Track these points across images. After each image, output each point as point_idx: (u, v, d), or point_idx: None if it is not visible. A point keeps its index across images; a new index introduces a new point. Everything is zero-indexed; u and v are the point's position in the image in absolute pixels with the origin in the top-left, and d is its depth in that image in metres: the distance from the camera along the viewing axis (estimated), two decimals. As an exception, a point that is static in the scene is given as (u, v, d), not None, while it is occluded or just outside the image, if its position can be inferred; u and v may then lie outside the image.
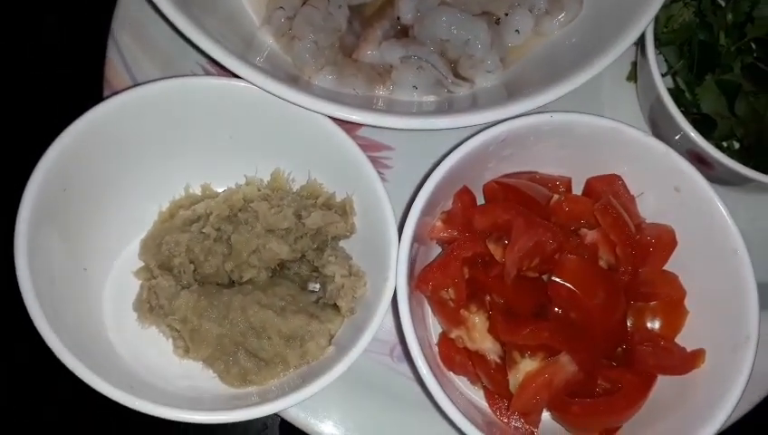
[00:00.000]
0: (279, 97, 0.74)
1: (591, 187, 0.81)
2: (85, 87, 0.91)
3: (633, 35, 0.80)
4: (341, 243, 0.82)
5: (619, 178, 0.80)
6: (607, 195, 0.77)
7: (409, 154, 0.90)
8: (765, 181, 0.79)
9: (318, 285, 0.80)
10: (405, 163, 0.90)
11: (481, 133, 0.76)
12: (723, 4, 0.93)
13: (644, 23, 0.81)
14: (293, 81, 0.81)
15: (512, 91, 0.85)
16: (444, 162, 0.75)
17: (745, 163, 0.86)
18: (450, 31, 0.83)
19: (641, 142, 0.77)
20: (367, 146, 0.91)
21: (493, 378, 0.74)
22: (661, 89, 0.81)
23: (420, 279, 0.75)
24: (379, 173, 0.90)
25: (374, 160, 0.91)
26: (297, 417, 0.80)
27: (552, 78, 0.80)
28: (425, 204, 0.74)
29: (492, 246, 0.75)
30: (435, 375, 0.69)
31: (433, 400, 0.69)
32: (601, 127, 0.77)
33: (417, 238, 0.78)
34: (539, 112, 0.77)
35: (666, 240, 0.77)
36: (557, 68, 0.83)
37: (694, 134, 0.80)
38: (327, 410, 0.81)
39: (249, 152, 0.82)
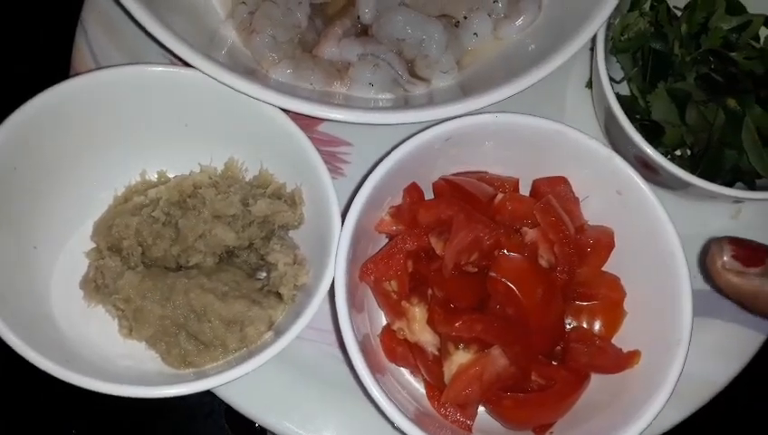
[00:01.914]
0: (232, 88, 0.74)
1: (537, 188, 0.80)
2: (53, 73, 0.91)
3: (580, 41, 0.80)
4: (290, 233, 0.81)
5: (564, 180, 0.80)
6: (549, 196, 0.77)
7: (367, 150, 0.89)
8: (705, 187, 0.78)
9: (265, 274, 0.80)
10: (363, 159, 0.90)
11: (424, 132, 0.75)
12: (679, 14, 0.93)
13: (593, 29, 0.80)
14: (250, 73, 0.81)
15: (467, 92, 0.84)
16: (387, 159, 0.74)
17: (694, 170, 0.85)
18: (406, 31, 0.83)
19: (585, 146, 0.76)
20: (326, 141, 0.92)
21: (430, 370, 0.74)
22: (609, 96, 0.81)
23: (363, 270, 0.75)
24: (337, 168, 0.92)
25: (332, 155, 0.92)
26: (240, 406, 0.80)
27: (506, 80, 0.81)
28: (367, 198, 0.73)
29: (434, 240, 0.74)
30: (368, 364, 0.68)
31: (365, 389, 0.68)
32: (546, 129, 0.76)
33: (366, 232, 0.78)
34: (486, 112, 0.77)
35: (604, 242, 0.76)
36: (513, 71, 0.82)
37: (638, 139, 0.79)
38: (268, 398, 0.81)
39: (204, 141, 0.82)
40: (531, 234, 0.75)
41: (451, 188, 0.78)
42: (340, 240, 0.72)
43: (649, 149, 0.79)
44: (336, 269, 0.71)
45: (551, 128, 0.76)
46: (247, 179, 0.83)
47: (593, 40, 0.83)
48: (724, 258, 0.65)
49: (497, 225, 0.75)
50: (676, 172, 0.78)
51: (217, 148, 0.83)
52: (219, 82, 0.74)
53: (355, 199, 0.74)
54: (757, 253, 0.65)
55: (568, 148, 0.77)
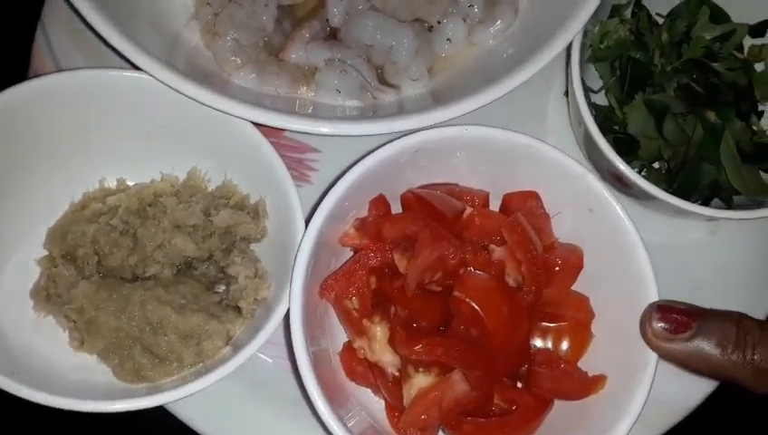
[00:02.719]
0: (191, 98, 0.71)
1: (507, 202, 0.77)
2: (10, 74, 0.87)
3: (555, 49, 0.76)
4: (253, 245, 0.78)
5: (535, 195, 0.76)
6: (517, 212, 0.74)
7: (336, 157, 0.85)
8: (676, 204, 0.75)
9: (224, 287, 0.77)
10: (332, 166, 0.85)
11: (391, 144, 0.72)
12: (661, 21, 0.90)
13: (569, 35, 0.77)
14: (212, 81, 0.77)
15: (439, 100, 0.81)
16: (350, 172, 0.71)
17: (670, 185, 0.82)
18: (374, 36, 0.79)
19: (557, 162, 0.73)
20: (293, 147, 0.88)
21: (390, 391, 0.71)
22: (582, 107, 0.77)
23: (324, 287, 0.72)
24: (304, 175, 0.88)
25: (300, 163, 0.88)
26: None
27: (478, 89, 0.77)
28: (328, 212, 0.70)
29: (397, 257, 0.71)
30: (320, 383, 0.65)
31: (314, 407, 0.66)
32: (517, 143, 0.73)
33: (330, 244, 0.75)
34: (456, 124, 0.74)
35: (573, 262, 0.73)
36: (487, 79, 0.79)
37: (610, 153, 0.76)
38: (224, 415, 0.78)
39: (166, 149, 0.79)
40: (498, 252, 0.72)
41: (418, 203, 0.74)
42: (298, 255, 0.69)
43: (622, 165, 0.76)
44: (292, 284, 0.68)
45: (522, 142, 0.73)
46: (210, 190, 0.79)
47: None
48: (654, 325, 0.66)
49: (463, 243, 0.72)
50: (648, 188, 0.75)
51: (180, 156, 0.79)
52: (178, 91, 0.70)
53: (315, 214, 0.70)
54: (684, 318, 0.65)
55: (540, 163, 0.74)
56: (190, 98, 0.70)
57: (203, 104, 0.71)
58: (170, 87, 0.70)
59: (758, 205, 0.79)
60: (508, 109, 0.87)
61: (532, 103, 0.90)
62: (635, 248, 0.70)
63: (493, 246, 0.72)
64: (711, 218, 0.77)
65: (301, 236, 0.70)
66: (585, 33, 0.80)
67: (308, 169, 0.88)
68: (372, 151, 0.73)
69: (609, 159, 0.76)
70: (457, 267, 0.70)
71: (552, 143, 0.85)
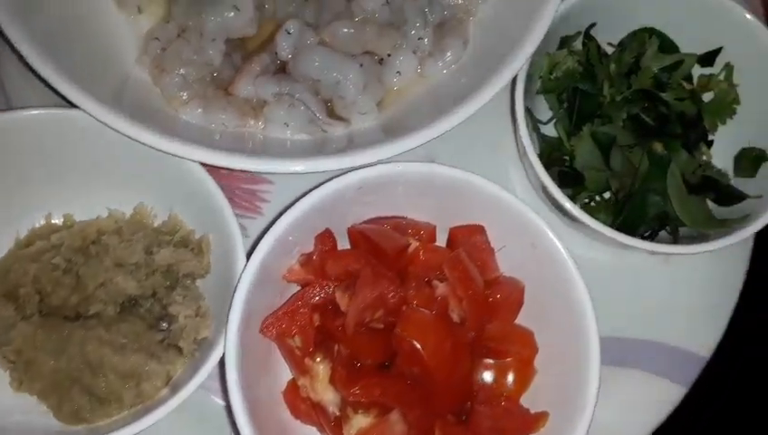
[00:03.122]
0: (134, 139, 0.70)
1: (453, 237, 0.77)
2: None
3: (501, 81, 0.76)
4: (198, 281, 0.77)
5: (480, 229, 0.76)
6: (460, 247, 0.73)
7: (289, 189, 0.84)
8: (618, 239, 0.75)
9: (167, 324, 0.76)
10: (284, 198, 0.84)
11: (335, 180, 0.72)
12: (611, 51, 0.90)
13: (515, 67, 0.77)
14: (159, 117, 0.76)
15: (390, 132, 0.81)
16: (293, 208, 0.71)
17: (617, 216, 0.82)
18: (321, 71, 0.79)
19: (497, 198, 0.72)
20: (246, 179, 0.88)
21: (333, 431, 0.70)
22: (525, 141, 0.77)
23: (265, 326, 0.71)
24: (257, 207, 0.88)
25: (252, 194, 0.88)
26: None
27: (429, 122, 0.77)
28: (269, 249, 0.69)
29: (339, 295, 0.71)
30: (253, 423, 0.64)
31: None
32: (457, 179, 0.73)
33: (275, 279, 0.74)
34: (403, 160, 0.73)
35: (515, 297, 0.73)
36: (438, 111, 0.79)
37: (550, 185, 0.75)
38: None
39: (113, 184, 0.78)
40: (441, 288, 0.72)
41: (362, 239, 0.74)
42: (235, 293, 0.68)
43: (566, 202, 0.76)
44: (228, 324, 0.67)
45: (462, 178, 0.73)
46: (157, 224, 0.79)
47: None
48: None
49: (407, 279, 0.71)
50: (585, 220, 0.75)
51: (127, 191, 0.79)
52: (121, 133, 0.70)
53: (255, 251, 0.70)
54: None
55: (481, 198, 0.74)
56: (133, 139, 0.70)
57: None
58: (112, 128, 0.70)
59: (704, 237, 0.79)
60: (462, 139, 0.88)
61: (486, 135, 0.90)
62: (575, 285, 0.70)
63: (436, 281, 0.72)
64: (654, 253, 0.77)
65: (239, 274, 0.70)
66: (531, 63, 0.80)
67: (260, 201, 0.88)
68: (316, 187, 0.73)
69: (552, 194, 0.75)
70: (399, 305, 0.69)
71: (505, 175, 0.87)
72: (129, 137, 0.70)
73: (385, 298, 0.68)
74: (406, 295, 0.69)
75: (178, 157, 0.71)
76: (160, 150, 0.71)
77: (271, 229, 0.71)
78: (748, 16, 0.83)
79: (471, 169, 0.87)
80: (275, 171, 0.71)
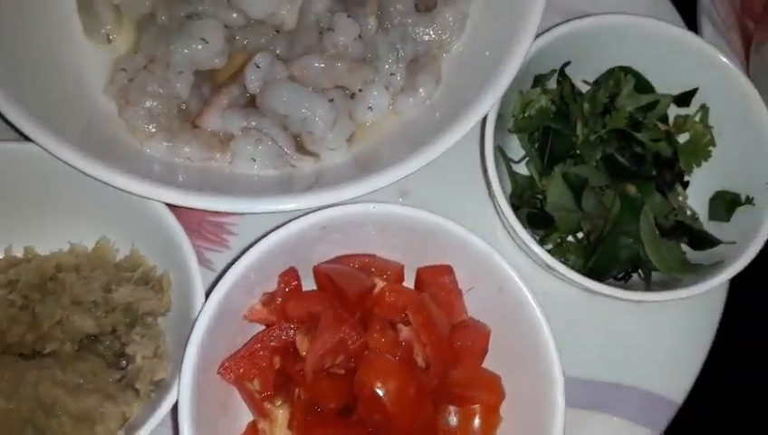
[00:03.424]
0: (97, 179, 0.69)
1: (421, 277, 0.75)
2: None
3: (472, 120, 0.75)
4: (160, 318, 0.75)
5: (448, 270, 0.75)
6: (426, 290, 0.72)
7: (257, 222, 0.83)
8: (586, 285, 0.73)
9: (125, 362, 0.74)
10: (252, 231, 0.83)
11: (299, 220, 0.70)
12: (586, 89, 0.89)
13: (486, 105, 0.76)
14: (123, 151, 0.75)
15: (361, 169, 0.79)
16: (255, 247, 0.69)
17: (588, 259, 0.81)
18: (288, 106, 0.77)
19: (464, 240, 0.71)
20: (212, 212, 0.86)
21: (292, 475, 0.68)
22: (494, 182, 0.76)
23: (223, 369, 0.69)
24: (224, 241, 0.86)
25: (219, 226, 0.86)
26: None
27: (400, 159, 0.76)
28: (228, 289, 0.68)
29: (299, 338, 0.69)
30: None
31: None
32: (424, 221, 0.71)
33: (236, 320, 0.72)
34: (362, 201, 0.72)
35: (480, 343, 0.71)
36: (410, 147, 0.77)
37: (518, 228, 0.74)
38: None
39: (75, 217, 0.76)
40: (405, 332, 0.70)
41: (326, 279, 0.72)
42: (191, 334, 0.66)
43: (535, 247, 0.74)
44: (183, 366, 0.65)
45: (429, 220, 0.71)
46: (119, 259, 0.77)
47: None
48: None
49: (372, 321, 0.69)
50: (550, 262, 0.73)
51: (90, 224, 0.77)
52: (81, 171, 0.68)
53: (213, 291, 0.68)
54: None
55: (448, 241, 0.72)
56: (94, 178, 0.69)
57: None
58: (72, 166, 0.68)
59: (677, 282, 0.78)
60: (435, 172, 0.86)
61: (460, 167, 0.89)
62: (541, 332, 0.68)
63: (401, 325, 0.70)
64: (624, 300, 0.75)
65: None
66: (504, 101, 0.79)
67: (227, 234, 0.86)
68: (281, 226, 0.71)
69: (520, 237, 0.74)
70: (360, 350, 0.67)
71: (480, 209, 0.86)
72: (89, 175, 0.69)
73: (346, 344, 0.66)
74: (369, 339, 0.68)
75: (139, 196, 0.70)
76: (121, 190, 0.69)
77: (231, 269, 0.69)
78: (723, 59, 0.83)
79: (444, 203, 0.87)
80: (238, 211, 0.70)
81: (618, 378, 0.83)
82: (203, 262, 0.85)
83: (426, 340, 0.67)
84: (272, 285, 0.75)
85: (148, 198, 0.69)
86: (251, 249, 0.69)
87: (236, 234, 0.86)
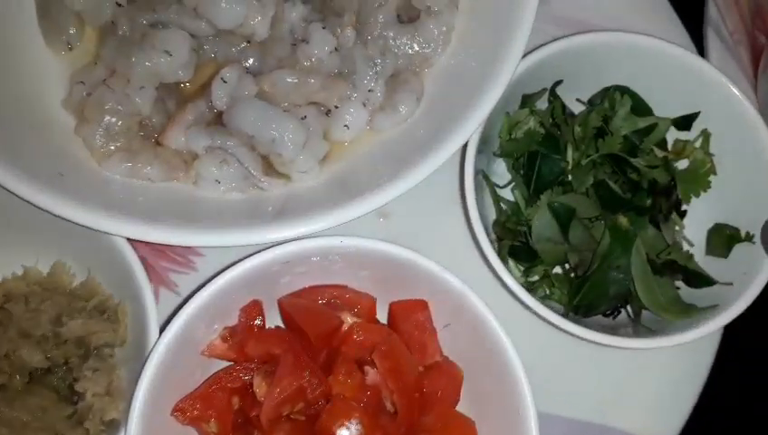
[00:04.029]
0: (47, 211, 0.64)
1: (393, 313, 0.71)
2: None
3: (456, 144, 0.70)
4: (117, 349, 0.71)
5: (423, 305, 0.69)
6: (394, 333, 0.67)
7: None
8: (558, 325, 0.68)
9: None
10: (220, 251, 0.78)
11: (259, 254, 0.65)
12: (580, 109, 0.83)
13: (468, 130, 0.70)
14: (79, 173, 0.70)
15: (336, 193, 0.74)
16: (213, 282, 0.64)
17: (574, 295, 0.75)
18: (255, 126, 0.72)
19: (439, 278, 0.66)
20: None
21: None
22: (472, 212, 0.70)
23: (177, 409, 0.65)
24: (190, 262, 0.81)
25: (187, 248, 0.81)
26: None
27: (375, 186, 0.70)
28: (184, 324, 0.63)
29: (257, 381, 0.64)
30: None
31: None
32: (397, 257, 0.66)
33: (194, 354, 0.68)
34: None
35: (452, 387, 0.66)
36: (387, 172, 0.72)
37: (495, 263, 0.69)
38: None
39: (30, 240, 0.72)
40: (372, 375, 0.65)
41: (292, 313, 0.67)
42: (143, 372, 0.62)
43: (506, 276, 0.69)
44: (132, 405, 0.61)
45: (402, 256, 0.66)
46: (75, 285, 0.72)
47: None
48: None
49: (338, 362, 0.64)
50: (526, 300, 0.68)
51: (45, 246, 0.72)
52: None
53: (168, 328, 0.63)
54: None
55: (422, 276, 0.67)
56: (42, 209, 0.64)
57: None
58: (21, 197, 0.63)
59: (668, 323, 0.72)
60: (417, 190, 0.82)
61: (442, 186, 0.83)
62: (516, 375, 0.63)
63: (368, 368, 0.65)
64: (609, 346, 0.70)
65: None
66: (489, 123, 0.74)
67: (195, 255, 0.81)
68: (241, 260, 0.66)
69: (500, 276, 0.69)
70: (323, 395, 0.62)
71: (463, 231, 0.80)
72: (36, 206, 0.64)
73: (305, 391, 0.61)
74: (334, 382, 0.62)
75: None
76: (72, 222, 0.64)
77: (188, 303, 0.64)
78: (728, 84, 0.76)
79: (427, 225, 0.82)
80: (200, 245, 0.65)
81: (603, 419, 0.77)
82: (168, 285, 0.80)
83: (393, 386, 0.63)
84: (234, 319, 0.70)
85: (101, 231, 0.64)
86: (208, 284, 0.64)
87: (204, 255, 0.81)
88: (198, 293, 0.64)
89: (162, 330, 0.65)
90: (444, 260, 0.72)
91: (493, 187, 0.78)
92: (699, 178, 0.78)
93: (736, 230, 0.75)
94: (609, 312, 0.76)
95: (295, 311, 0.66)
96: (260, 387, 0.63)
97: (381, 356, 0.63)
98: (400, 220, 0.82)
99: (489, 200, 0.78)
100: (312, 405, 0.63)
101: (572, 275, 0.76)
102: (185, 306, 0.63)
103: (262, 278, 0.66)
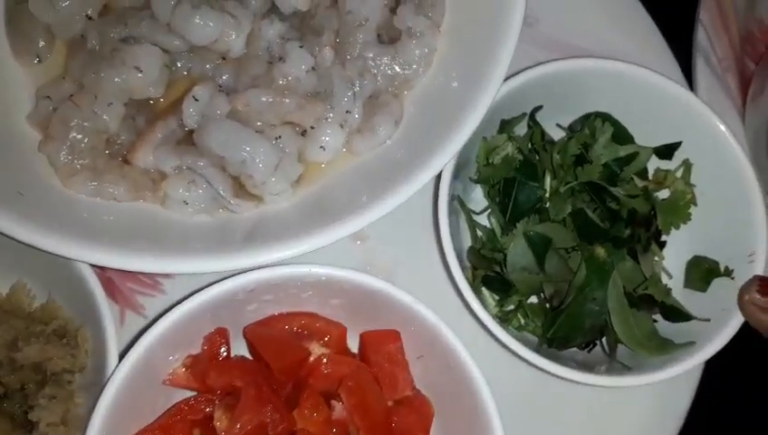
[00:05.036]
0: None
1: (365, 343, 0.67)
2: None
3: (434, 169, 0.67)
4: (77, 375, 0.68)
5: (395, 336, 0.66)
6: (369, 358, 0.64)
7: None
8: (530, 361, 0.65)
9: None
10: (188, 276, 0.73)
11: (226, 281, 0.62)
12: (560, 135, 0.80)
13: (447, 156, 0.68)
14: (39, 193, 0.66)
15: (310, 216, 0.71)
16: (174, 310, 0.61)
17: (549, 327, 0.72)
18: (226, 147, 0.68)
19: (411, 310, 0.63)
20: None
21: None
22: (445, 241, 0.68)
23: (134, 442, 0.62)
24: (158, 285, 0.78)
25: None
26: None
27: (349, 211, 0.68)
28: (144, 353, 0.60)
29: (218, 414, 0.61)
30: None
31: None
32: (368, 286, 0.63)
33: (156, 383, 0.65)
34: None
35: (422, 424, 0.63)
36: (366, 194, 0.69)
37: (468, 296, 0.66)
38: None
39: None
40: (339, 410, 0.62)
41: (257, 343, 0.64)
42: (99, 402, 0.58)
43: (478, 309, 0.66)
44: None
45: (373, 286, 0.63)
46: (35, 307, 0.69)
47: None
48: (753, 295, 0.67)
49: (305, 395, 0.61)
50: (498, 334, 0.65)
51: (7, 265, 0.69)
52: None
53: (127, 356, 0.60)
54: None
55: (395, 307, 0.64)
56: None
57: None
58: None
59: (644, 359, 0.70)
60: (399, 213, 0.79)
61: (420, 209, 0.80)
62: (486, 408, 0.61)
63: (334, 402, 0.62)
64: (583, 383, 0.67)
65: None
66: (466, 147, 0.71)
67: (162, 277, 0.77)
68: (208, 286, 0.63)
69: (470, 304, 0.66)
70: (287, 430, 0.59)
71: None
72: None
73: (267, 427, 0.58)
74: (299, 416, 0.59)
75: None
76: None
77: (148, 331, 0.61)
78: (712, 117, 0.74)
79: (405, 248, 0.79)
80: (164, 272, 0.62)
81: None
82: (135, 307, 0.76)
83: (359, 423, 0.59)
84: (199, 347, 0.67)
85: (62, 256, 0.61)
86: (169, 312, 0.61)
87: (172, 277, 0.77)
88: (160, 320, 0.60)
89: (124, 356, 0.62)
90: (419, 287, 0.70)
91: (469, 213, 0.76)
92: (680, 209, 0.76)
93: (716, 264, 0.73)
94: (584, 345, 0.74)
95: (259, 341, 0.63)
96: (220, 421, 0.60)
97: (348, 391, 0.60)
98: (377, 244, 0.79)
99: (465, 226, 0.75)
100: (276, 439, 0.60)
101: (548, 305, 0.74)
102: (145, 334, 0.60)
103: (227, 306, 0.62)
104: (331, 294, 0.65)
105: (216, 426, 0.60)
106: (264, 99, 0.72)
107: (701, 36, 0.91)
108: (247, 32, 0.74)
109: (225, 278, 0.62)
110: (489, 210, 0.77)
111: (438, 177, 0.71)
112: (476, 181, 0.76)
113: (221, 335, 0.66)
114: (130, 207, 0.70)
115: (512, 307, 0.74)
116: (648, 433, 0.75)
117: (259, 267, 0.63)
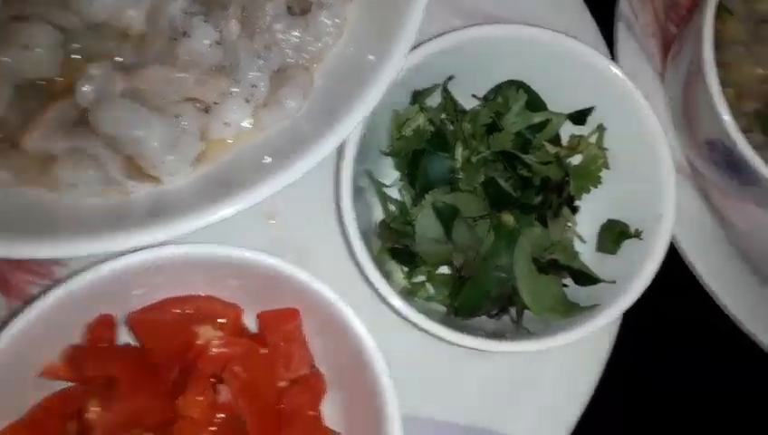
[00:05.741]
0: None
1: (263, 322, 0.64)
2: None
3: (334, 141, 0.65)
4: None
5: (294, 315, 0.62)
6: (269, 338, 0.62)
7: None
8: (431, 332, 0.62)
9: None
10: (83, 262, 0.68)
11: (105, 263, 0.59)
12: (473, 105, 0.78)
13: (351, 123, 0.65)
14: None
15: (210, 193, 0.68)
16: (48, 295, 0.57)
17: (455, 296, 0.70)
18: (118, 126, 0.64)
19: (307, 286, 0.60)
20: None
21: None
22: (346, 216, 0.65)
23: (-2, 440, 0.58)
24: (51, 272, 0.73)
25: (50, 257, 0.75)
26: None
27: (253, 181, 0.66)
28: (12, 341, 0.55)
29: (90, 405, 0.56)
30: None
31: None
32: (260, 265, 0.60)
33: (25, 376, 0.60)
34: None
35: (313, 403, 0.61)
36: (267, 168, 0.67)
37: (369, 272, 0.63)
38: None
39: None
40: (225, 393, 0.58)
41: (140, 328, 0.61)
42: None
43: (382, 288, 0.64)
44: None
45: (265, 264, 0.60)
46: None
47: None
48: None
49: (191, 380, 0.59)
50: (407, 314, 0.63)
51: None
52: None
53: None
54: None
55: (290, 286, 0.61)
56: None
57: None
58: None
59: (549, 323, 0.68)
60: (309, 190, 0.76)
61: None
62: (375, 372, 0.58)
63: (220, 386, 0.58)
64: (486, 351, 0.65)
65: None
66: (372, 121, 0.69)
67: (54, 264, 0.73)
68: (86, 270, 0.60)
69: (370, 278, 0.64)
70: (170, 418, 0.57)
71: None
72: None
73: (141, 417, 0.55)
74: (183, 402, 0.57)
75: None
76: None
77: (12, 322, 0.56)
78: (623, 77, 0.71)
79: (316, 225, 0.76)
80: (42, 257, 0.59)
81: (489, 423, 0.73)
82: (28, 299, 0.71)
83: (244, 406, 0.56)
84: (79, 336, 0.63)
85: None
86: (42, 297, 0.56)
87: (65, 265, 0.72)
88: (27, 309, 0.56)
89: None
90: (332, 265, 0.69)
91: (380, 186, 0.73)
92: (591, 173, 0.72)
93: (626, 226, 0.70)
94: (494, 313, 0.72)
95: (139, 326, 0.59)
96: (94, 412, 0.56)
97: (232, 375, 0.56)
98: (287, 222, 0.76)
99: (367, 207, 0.73)
100: (157, 431, 0.57)
101: (459, 276, 0.72)
102: (8, 325, 0.55)
103: (110, 290, 0.58)
104: (225, 274, 0.62)
105: (87, 418, 0.56)
106: (163, 75, 0.69)
107: (624, 7, 0.89)
108: (147, 7, 0.71)
109: (105, 261, 0.60)
110: (402, 184, 0.74)
111: (339, 154, 0.69)
112: (388, 154, 0.73)
113: (105, 322, 0.61)
114: (17, 193, 0.66)
115: (422, 278, 0.72)
116: (558, 401, 0.72)
117: (153, 246, 0.61)
